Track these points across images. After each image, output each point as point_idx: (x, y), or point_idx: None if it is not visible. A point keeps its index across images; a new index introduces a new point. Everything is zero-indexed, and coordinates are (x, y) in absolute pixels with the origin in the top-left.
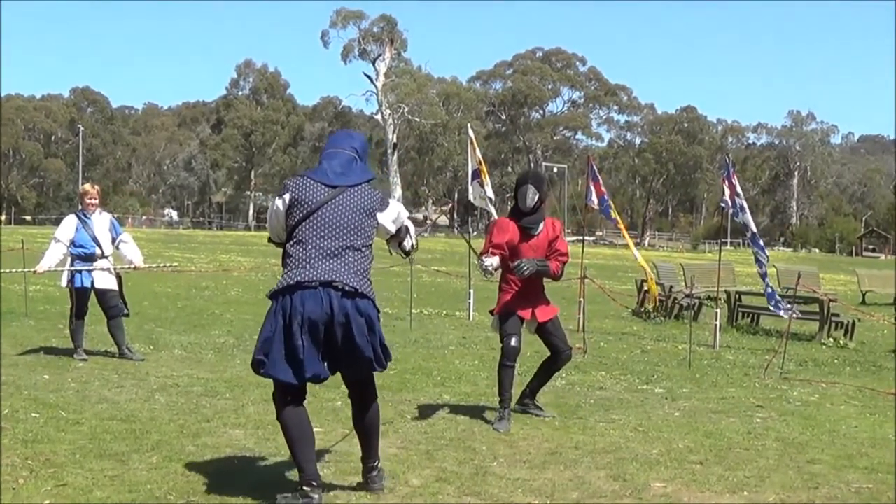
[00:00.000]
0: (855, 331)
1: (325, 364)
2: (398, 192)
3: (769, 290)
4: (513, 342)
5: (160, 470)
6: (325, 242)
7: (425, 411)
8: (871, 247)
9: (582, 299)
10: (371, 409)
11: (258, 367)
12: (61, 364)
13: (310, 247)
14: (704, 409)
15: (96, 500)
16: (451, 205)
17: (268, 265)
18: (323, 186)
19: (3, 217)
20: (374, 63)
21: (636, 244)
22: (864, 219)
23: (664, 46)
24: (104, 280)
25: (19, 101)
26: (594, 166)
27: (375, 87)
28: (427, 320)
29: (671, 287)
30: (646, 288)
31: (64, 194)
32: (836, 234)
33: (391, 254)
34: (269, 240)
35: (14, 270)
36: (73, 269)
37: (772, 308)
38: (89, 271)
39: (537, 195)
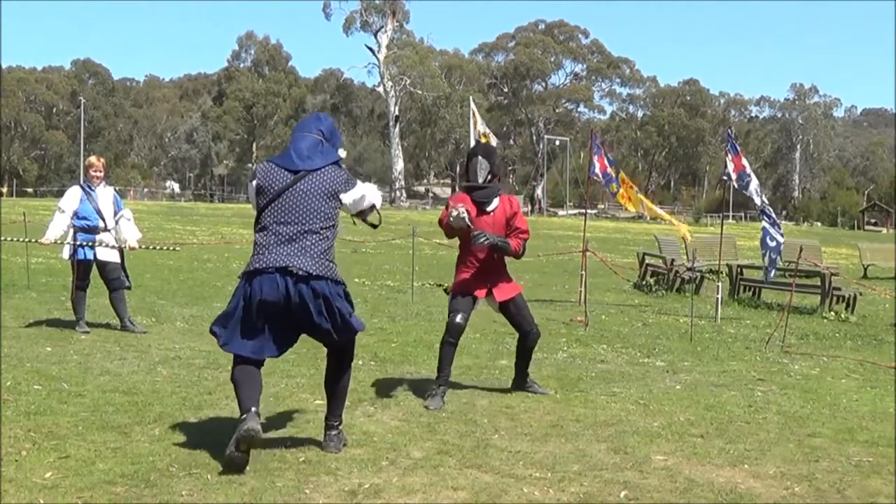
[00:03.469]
0: (856, 304)
1: (286, 340)
2: (400, 164)
3: (773, 266)
4: (458, 318)
5: (162, 442)
6: (284, 228)
7: (427, 384)
8: (873, 220)
9: (584, 272)
10: (343, 373)
11: (213, 335)
12: (63, 336)
13: (270, 233)
14: (705, 382)
15: (99, 472)
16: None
17: None
18: (285, 172)
19: (5, 189)
20: (376, 35)
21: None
22: (866, 192)
23: (667, 19)
24: (106, 252)
25: (20, 73)
26: (598, 139)
27: (377, 59)
28: (429, 293)
29: (673, 260)
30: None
31: (65, 166)
32: (839, 208)
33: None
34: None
35: (17, 239)
36: (77, 244)
37: (765, 272)
38: (92, 246)
39: (488, 168)
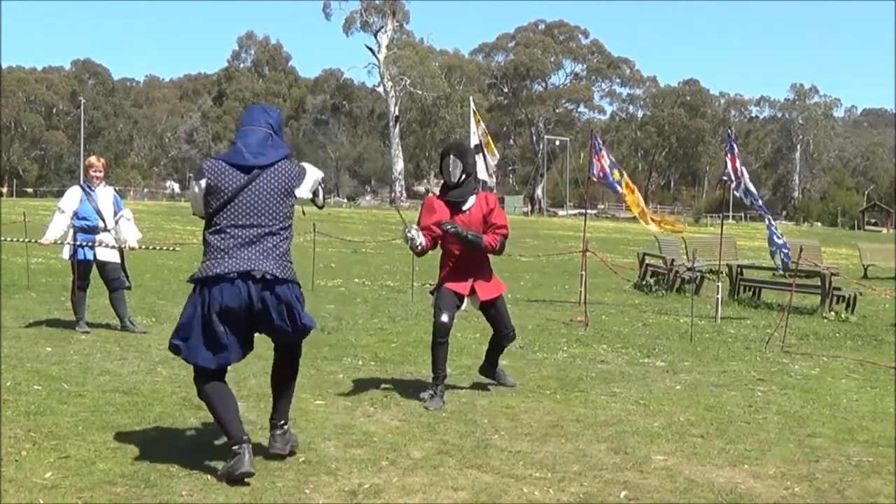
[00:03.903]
0: (856, 304)
1: (247, 342)
2: (400, 164)
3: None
4: (443, 318)
5: (162, 442)
6: (243, 231)
7: (427, 384)
8: (873, 220)
9: (584, 272)
10: (290, 371)
11: (174, 350)
12: (63, 336)
13: (227, 236)
14: (705, 382)
15: (99, 472)
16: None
17: None
18: (238, 171)
19: (5, 189)
20: (375, 35)
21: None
22: (866, 192)
23: (667, 19)
24: (106, 253)
25: (20, 73)
26: (598, 139)
27: (377, 59)
28: (429, 293)
29: (673, 260)
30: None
31: (65, 167)
32: (839, 208)
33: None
34: (194, 213)
35: (17, 239)
36: (77, 244)
37: (775, 253)
38: (91, 246)
39: (461, 166)
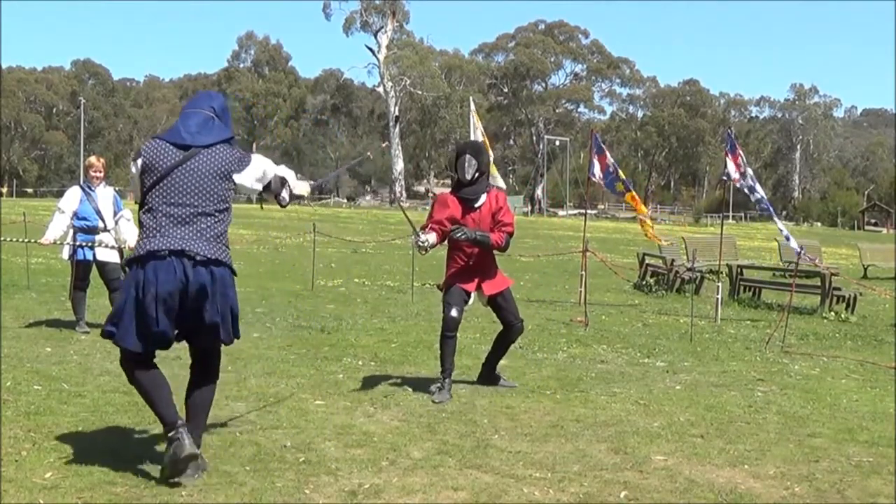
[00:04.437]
0: (856, 304)
1: (174, 330)
2: (400, 164)
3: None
4: (453, 312)
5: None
6: (176, 209)
7: (427, 384)
8: (873, 220)
9: (584, 272)
10: (208, 386)
11: (107, 336)
12: (63, 337)
13: (160, 214)
14: (705, 382)
15: (99, 472)
16: (386, 143)
17: (269, 238)
18: (174, 149)
19: (5, 189)
20: (375, 35)
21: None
22: (866, 193)
23: (667, 19)
24: (106, 253)
25: (20, 74)
26: (599, 139)
27: (377, 59)
28: (429, 293)
29: (673, 260)
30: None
31: (65, 167)
32: (839, 208)
33: (261, 201)
34: (135, 201)
35: (17, 239)
36: (77, 244)
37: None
38: (91, 247)
39: (476, 165)
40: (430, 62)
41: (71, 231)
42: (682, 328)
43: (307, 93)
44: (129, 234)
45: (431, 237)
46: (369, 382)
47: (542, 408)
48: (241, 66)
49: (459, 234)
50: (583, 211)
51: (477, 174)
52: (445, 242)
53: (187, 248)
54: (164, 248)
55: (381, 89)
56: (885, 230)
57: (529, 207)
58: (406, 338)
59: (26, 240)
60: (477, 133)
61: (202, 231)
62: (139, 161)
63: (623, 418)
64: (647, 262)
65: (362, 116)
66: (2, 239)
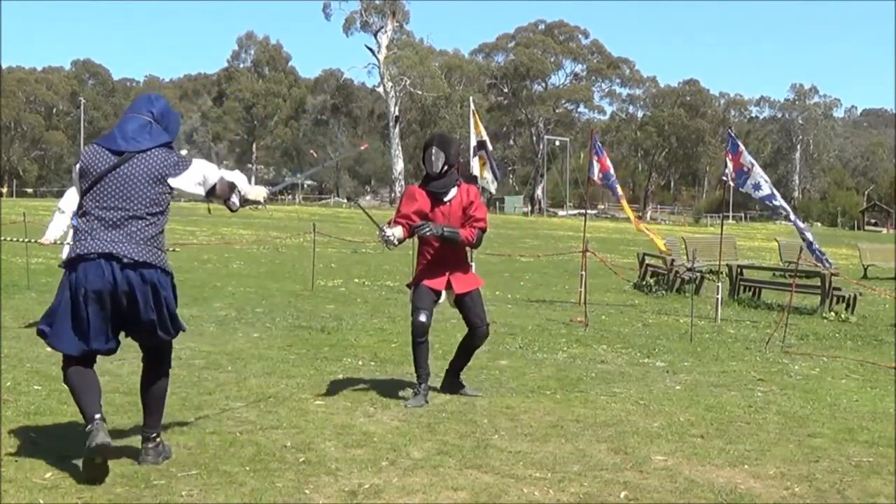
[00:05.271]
0: (856, 305)
1: (113, 334)
2: (400, 164)
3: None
4: (421, 317)
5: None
6: (107, 213)
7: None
8: (873, 221)
9: (584, 272)
10: (159, 380)
11: (41, 335)
12: None
13: (92, 218)
14: (705, 382)
15: None
16: (366, 145)
17: (269, 238)
18: (109, 154)
19: (5, 189)
20: (375, 35)
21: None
22: (866, 193)
23: (667, 19)
24: None
25: (20, 74)
26: (598, 140)
27: (377, 59)
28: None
29: (673, 260)
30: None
31: (65, 167)
32: (839, 208)
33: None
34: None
35: (17, 239)
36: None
37: (816, 254)
38: None
39: (444, 157)
40: (430, 62)
41: (71, 231)
42: (682, 328)
43: (307, 93)
44: None
45: (398, 231)
46: (369, 382)
47: (542, 408)
48: (241, 66)
49: (426, 231)
50: (583, 211)
51: (446, 167)
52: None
53: (115, 251)
54: (93, 251)
55: (381, 89)
56: (885, 230)
57: (529, 207)
58: (406, 338)
59: (26, 240)
60: (476, 134)
61: (132, 234)
62: (78, 165)
63: (623, 418)
64: (647, 262)
65: (362, 116)
66: (2, 239)
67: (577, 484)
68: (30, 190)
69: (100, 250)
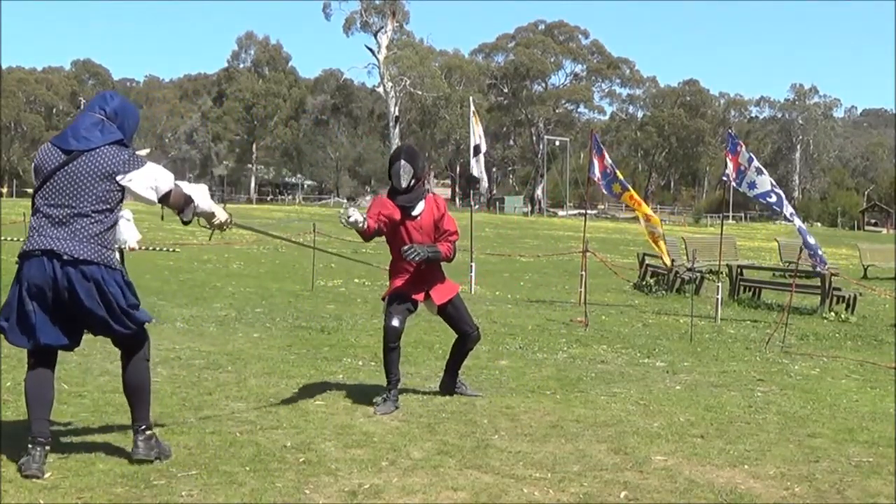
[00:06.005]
0: (856, 305)
1: (68, 330)
2: None
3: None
4: (394, 322)
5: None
6: (53, 210)
7: (426, 384)
8: (873, 221)
9: (584, 273)
10: (137, 373)
11: (1, 332)
12: None
13: (41, 215)
14: (705, 382)
15: (98, 472)
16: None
17: (268, 238)
18: (59, 152)
19: (5, 189)
20: (375, 35)
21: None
22: (866, 193)
23: (667, 19)
24: None
25: (20, 74)
26: (598, 140)
27: (377, 59)
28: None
29: (673, 260)
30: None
31: None
32: (839, 208)
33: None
34: None
35: (17, 239)
36: None
37: (812, 256)
38: None
39: (411, 171)
40: (430, 62)
41: None
42: (682, 328)
43: (307, 93)
44: (130, 234)
45: (360, 216)
46: (369, 382)
47: (542, 408)
48: (241, 66)
49: (413, 255)
50: (583, 211)
51: (413, 181)
52: (390, 251)
53: (57, 248)
54: (37, 247)
55: (381, 89)
56: (885, 230)
57: (529, 207)
58: (406, 338)
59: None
60: (477, 134)
61: (76, 231)
62: (33, 164)
63: (623, 418)
64: (647, 262)
65: (362, 117)
66: (2, 239)
67: (577, 484)
68: (30, 190)
69: (43, 247)
